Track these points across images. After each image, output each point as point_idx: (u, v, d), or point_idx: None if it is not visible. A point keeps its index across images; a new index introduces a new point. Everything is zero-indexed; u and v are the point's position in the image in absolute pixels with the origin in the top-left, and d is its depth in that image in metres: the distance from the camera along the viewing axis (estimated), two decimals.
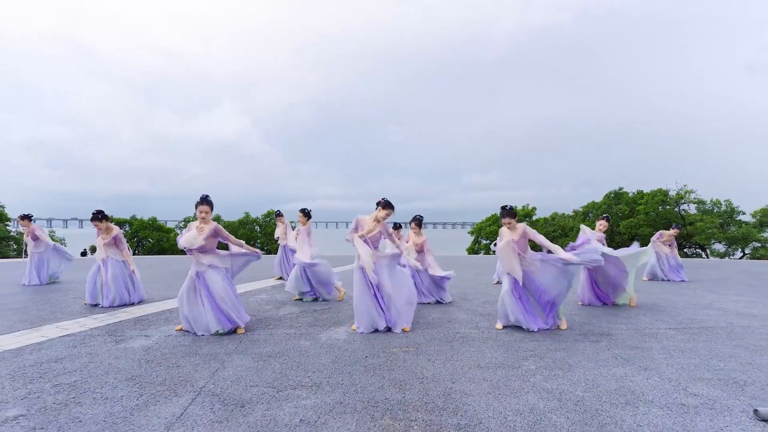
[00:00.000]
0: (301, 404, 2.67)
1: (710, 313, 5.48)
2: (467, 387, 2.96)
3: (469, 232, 35.24)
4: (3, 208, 24.58)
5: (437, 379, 3.10)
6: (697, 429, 2.38)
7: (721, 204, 26.12)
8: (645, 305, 6.04)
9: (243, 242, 4.77)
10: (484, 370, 3.30)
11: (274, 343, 4.05)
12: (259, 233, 32.66)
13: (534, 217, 31.71)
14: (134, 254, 5.24)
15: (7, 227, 24.67)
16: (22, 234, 8.89)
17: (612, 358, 3.63)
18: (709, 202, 26.32)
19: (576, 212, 31.18)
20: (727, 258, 24.04)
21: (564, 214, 31.93)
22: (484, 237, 31.93)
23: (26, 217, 8.04)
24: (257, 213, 33.37)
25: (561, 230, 29.45)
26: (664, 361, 3.55)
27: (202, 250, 4.36)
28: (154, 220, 30.86)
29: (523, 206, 32.37)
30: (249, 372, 3.24)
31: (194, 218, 4.48)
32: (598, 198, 30.12)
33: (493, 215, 31.42)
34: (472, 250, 32.36)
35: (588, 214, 29.68)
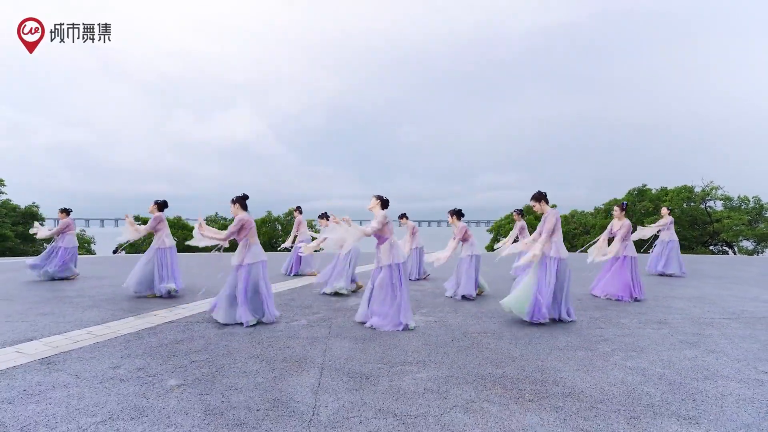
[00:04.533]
0: (417, 377, 3.08)
1: (759, 305, 5.73)
2: (557, 364, 3.33)
3: (488, 230, 35.37)
4: (38, 208, 25.57)
5: (527, 358, 3.47)
6: None
7: (749, 200, 25.75)
8: (693, 297, 6.29)
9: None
10: (564, 352, 3.66)
11: (361, 329, 4.47)
12: (280, 231, 33.32)
13: None
14: None
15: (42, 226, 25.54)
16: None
17: (678, 342, 3.95)
18: (736, 198, 25.96)
19: (597, 210, 31.13)
20: (756, 255, 23.73)
21: (584, 211, 31.93)
22: (503, 234, 32.14)
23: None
24: (276, 213, 33.93)
25: (582, 228, 29.48)
26: (728, 345, 3.86)
27: None
28: (179, 219, 31.76)
29: None
30: (355, 352, 3.66)
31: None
32: (620, 196, 29.98)
33: (512, 213, 31.47)
34: (492, 248, 32.48)
35: (610, 212, 29.62)
